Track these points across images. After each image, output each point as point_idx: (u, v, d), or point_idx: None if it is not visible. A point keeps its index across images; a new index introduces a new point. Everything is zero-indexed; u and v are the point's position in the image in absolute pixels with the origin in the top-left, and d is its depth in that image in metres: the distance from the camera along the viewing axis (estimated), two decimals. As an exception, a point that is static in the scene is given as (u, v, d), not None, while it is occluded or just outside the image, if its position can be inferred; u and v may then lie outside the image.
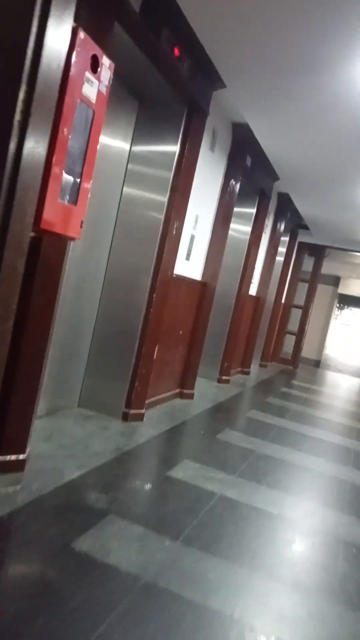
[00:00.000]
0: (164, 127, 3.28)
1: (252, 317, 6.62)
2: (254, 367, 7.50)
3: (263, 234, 5.99)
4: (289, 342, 9.15)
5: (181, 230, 3.51)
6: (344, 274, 11.71)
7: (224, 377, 5.69)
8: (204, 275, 4.42)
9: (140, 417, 3.49)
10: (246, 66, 3.00)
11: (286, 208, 6.55)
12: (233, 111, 3.89)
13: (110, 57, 1.98)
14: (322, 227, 7.72)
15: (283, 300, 8.64)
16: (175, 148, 3.28)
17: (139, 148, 3.37)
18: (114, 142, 3.25)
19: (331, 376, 9.92)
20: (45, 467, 2.41)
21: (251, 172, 4.75)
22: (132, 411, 3.44)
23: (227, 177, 4.33)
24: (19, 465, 2.32)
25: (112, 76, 1.96)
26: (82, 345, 3.43)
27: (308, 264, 9.03)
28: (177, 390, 4.41)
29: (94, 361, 3.47)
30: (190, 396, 4.51)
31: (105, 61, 1.90)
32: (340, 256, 9.14)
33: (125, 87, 3.13)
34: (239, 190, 4.57)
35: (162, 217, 3.31)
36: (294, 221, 7.46)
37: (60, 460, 2.52)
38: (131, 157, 3.38)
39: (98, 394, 3.46)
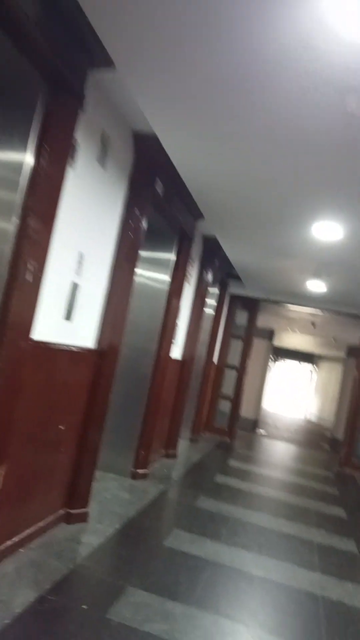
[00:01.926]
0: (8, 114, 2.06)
1: (178, 385, 5.35)
2: (183, 444, 6.17)
3: (186, 285, 4.86)
4: (224, 405, 7.93)
5: (41, 273, 2.22)
6: (277, 326, 10.91)
7: (140, 471, 4.30)
8: (101, 340, 3.11)
9: (-28, 595, 2.02)
10: (145, 27, 1.88)
11: (214, 254, 5.50)
12: (132, 112, 2.77)
13: None
14: (255, 277, 6.76)
15: (215, 362, 7.49)
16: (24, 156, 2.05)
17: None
18: None
19: (273, 448, 8.78)
20: None
21: (165, 203, 3.63)
22: None
23: (130, 205, 3.15)
24: None
25: None
26: None
27: (241, 318, 8.02)
28: (62, 512, 2.96)
29: None
30: (83, 517, 3.07)
31: None
32: (274, 309, 8.22)
33: None
34: (152, 230, 3.42)
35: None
36: (224, 270, 6.43)
37: None
38: None
39: None
